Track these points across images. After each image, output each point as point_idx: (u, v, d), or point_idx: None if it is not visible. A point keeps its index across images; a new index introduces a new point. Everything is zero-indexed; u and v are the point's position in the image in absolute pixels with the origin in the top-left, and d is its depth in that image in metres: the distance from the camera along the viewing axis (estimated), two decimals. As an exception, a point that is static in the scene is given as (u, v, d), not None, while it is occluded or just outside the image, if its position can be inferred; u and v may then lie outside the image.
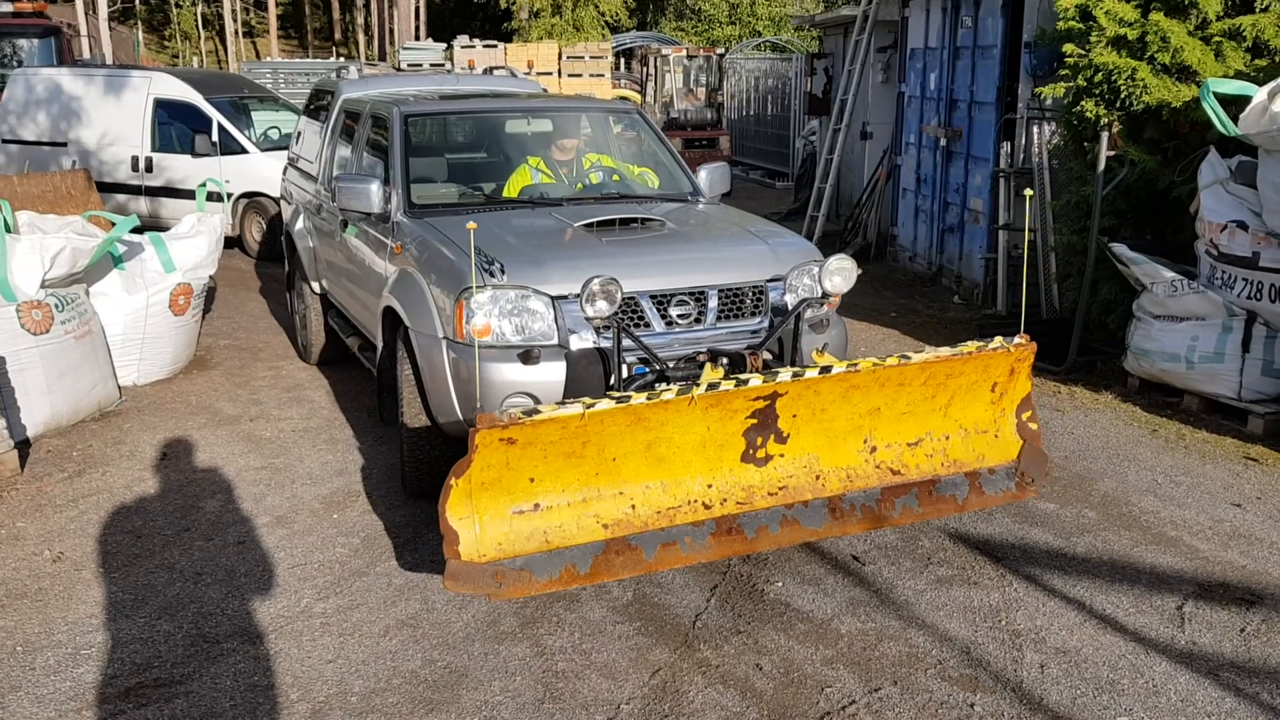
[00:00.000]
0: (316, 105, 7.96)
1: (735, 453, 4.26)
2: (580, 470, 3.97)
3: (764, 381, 3.98)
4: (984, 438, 4.74)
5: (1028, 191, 4.75)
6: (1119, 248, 7.23)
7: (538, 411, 3.65)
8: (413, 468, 5.28)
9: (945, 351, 4.31)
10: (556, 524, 3.98)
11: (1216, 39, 7.14)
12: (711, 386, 3.91)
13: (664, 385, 4.56)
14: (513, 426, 3.62)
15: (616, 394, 3.86)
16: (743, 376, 4.01)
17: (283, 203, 8.56)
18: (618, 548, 4.05)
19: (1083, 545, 4.96)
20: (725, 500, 4.26)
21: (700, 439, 4.13)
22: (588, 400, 3.75)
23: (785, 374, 4.02)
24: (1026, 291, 9.47)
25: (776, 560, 4.78)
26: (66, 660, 3.98)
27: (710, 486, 4.25)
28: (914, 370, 4.29)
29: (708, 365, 4.44)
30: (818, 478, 4.43)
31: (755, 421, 4.19)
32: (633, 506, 4.11)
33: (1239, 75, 6.91)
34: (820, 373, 4.06)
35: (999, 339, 4.42)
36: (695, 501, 4.20)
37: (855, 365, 4.15)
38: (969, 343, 4.41)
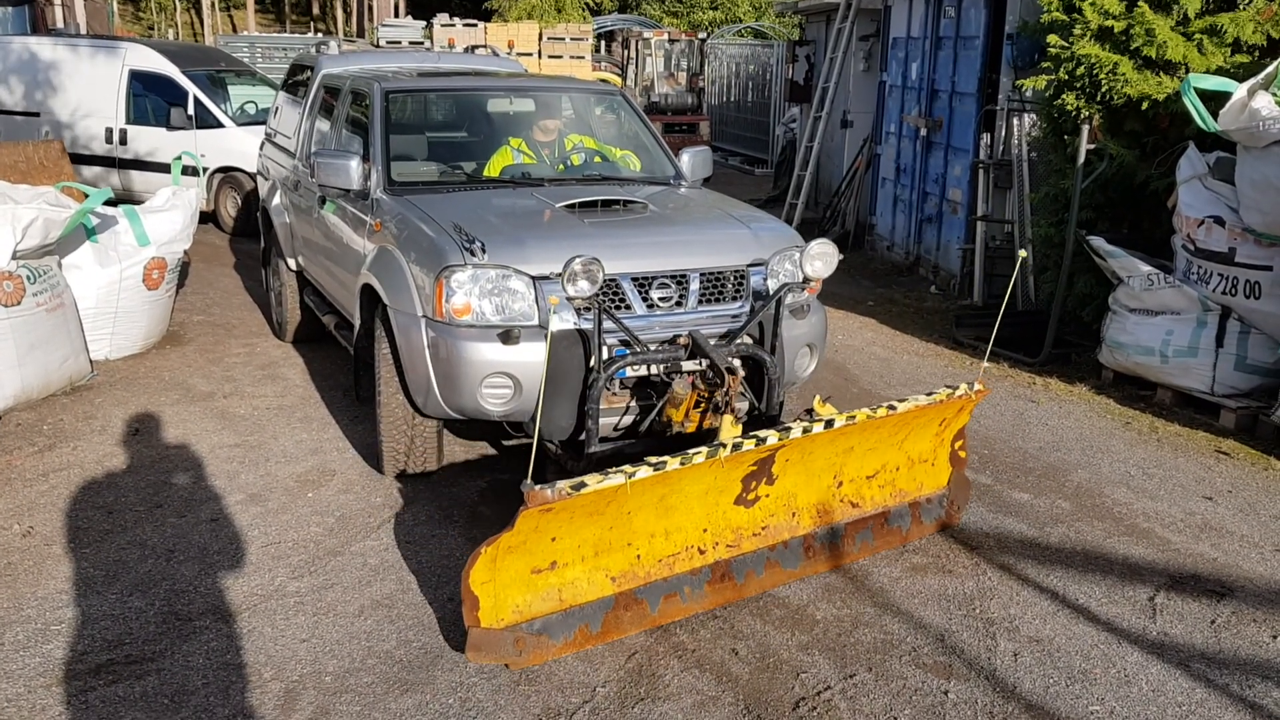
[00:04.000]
0: (295, 80, 7.88)
1: (731, 497, 4.25)
2: (598, 525, 3.89)
3: (779, 439, 4.02)
4: (924, 466, 4.90)
5: (1022, 252, 4.92)
6: (1096, 241, 7.27)
7: (584, 485, 3.57)
8: (389, 447, 5.25)
9: (924, 400, 4.45)
10: (569, 580, 3.90)
11: (1197, 36, 7.17)
12: (736, 447, 3.92)
13: (667, 389, 4.58)
14: (557, 504, 3.52)
15: (654, 459, 3.76)
16: (761, 434, 4.01)
17: (259, 178, 8.48)
18: (625, 602, 4.01)
19: (1056, 535, 4.99)
20: (717, 544, 4.26)
21: (705, 487, 4.12)
22: (629, 469, 3.67)
23: (796, 429, 4.06)
24: (1003, 282, 9.52)
25: (753, 546, 4.78)
26: (36, 636, 3.93)
27: (705, 531, 4.23)
28: (895, 418, 4.38)
29: (726, 419, 4.40)
30: (793, 515, 4.50)
31: (755, 469, 4.21)
32: (638, 557, 4.06)
33: (1219, 71, 6.95)
34: (825, 427, 4.14)
35: (964, 386, 4.60)
36: (692, 547, 4.19)
37: (853, 418, 4.20)
38: (942, 389, 4.56)
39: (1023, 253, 4.96)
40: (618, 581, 4.01)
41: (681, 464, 3.78)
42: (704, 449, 3.86)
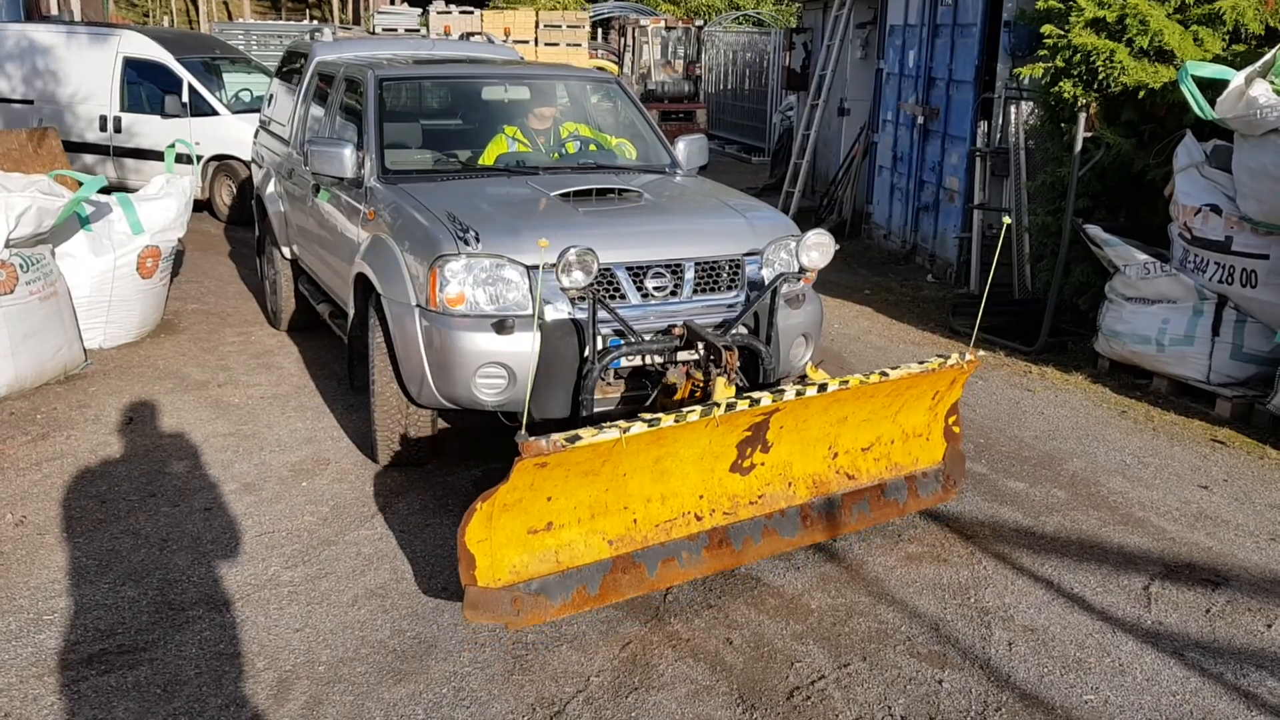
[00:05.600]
0: (289, 68, 7.84)
1: (726, 463, 4.26)
2: (593, 487, 3.90)
3: (773, 400, 4.01)
4: (919, 441, 4.88)
5: (1006, 219, 4.88)
6: (1093, 229, 7.25)
7: (579, 438, 3.57)
8: (383, 436, 5.24)
9: (916, 368, 4.44)
10: (566, 542, 3.91)
11: (1195, 24, 7.14)
12: (729, 406, 3.91)
13: (658, 378, 4.57)
14: (553, 455, 3.53)
15: (647, 415, 3.77)
16: (755, 395, 4.02)
17: (254, 166, 8.45)
18: (623, 565, 4.00)
19: (1051, 524, 4.99)
20: (714, 511, 4.26)
21: (700, 451, 4.12)
22: (624, 424, 3.68)
23: (790, 391, 4.06)
24: (1000, 271, 9.51)
25: (748, 535, 4.78)
26: (28, 625, 3.92)
27: (701, 497, 4.23)
28: (887, 385, 4.37)
29: (720, 380, 4.38)
30: (789, 485, 4.49)
31: (750, 434, 4.21)
32: (635, 521, 4.07)
33: (1217, 59, 6.92)
34: (819, 390, 4.13)
35: (955, 355, 4.57)
36: (689, 514, 4.19)
37: (846, 382, 4.20)
38: (934, 359, 4.55)
39: (1007, 219, 4.94)
40: (615, 545, 4.02)
41: (675, 421, 3.78)
42: (698, 408, 3.88)
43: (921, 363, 4.48)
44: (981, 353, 7.71)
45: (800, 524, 4.46)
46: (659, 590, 4.11)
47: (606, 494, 3.96)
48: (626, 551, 4.03)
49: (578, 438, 3.57)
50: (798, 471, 4.51)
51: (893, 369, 4.36)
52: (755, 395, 4.02)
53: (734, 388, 4.37)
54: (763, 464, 4.37)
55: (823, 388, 4.13)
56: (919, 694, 3.68)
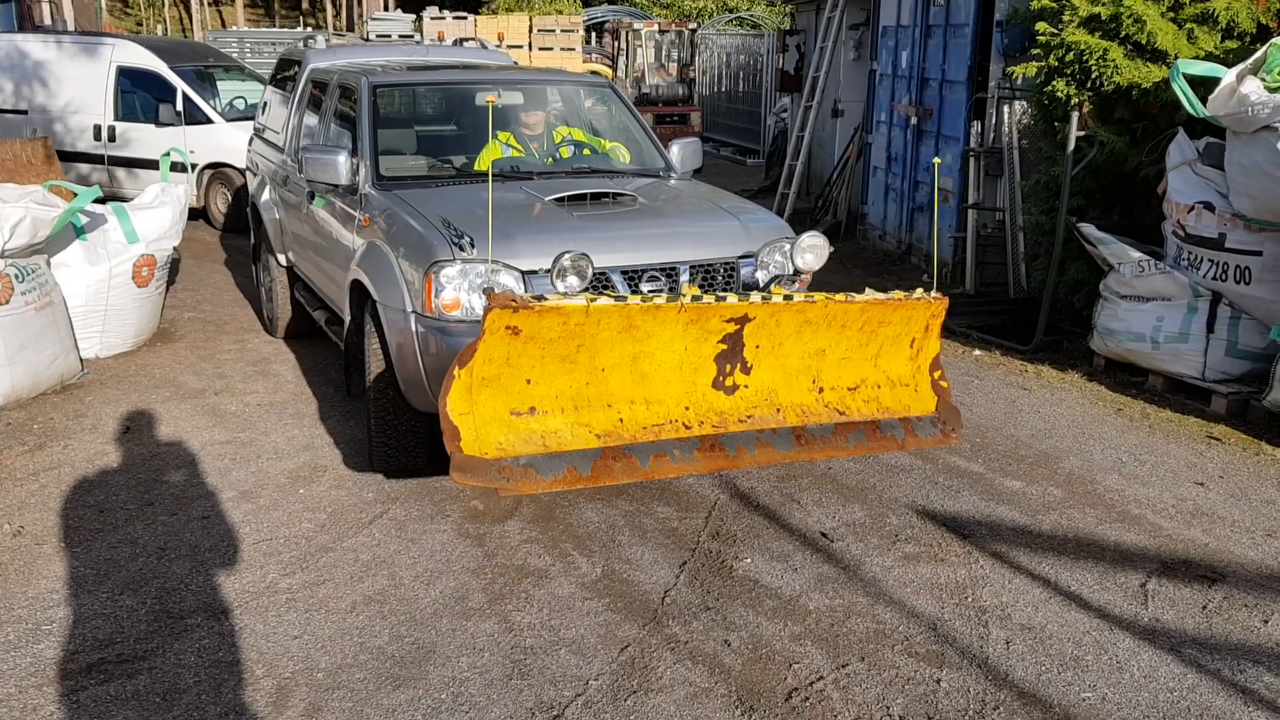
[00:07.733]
0: (283, 75, 7.85)
1: (707, 378, 4.29)
2: (573, 377, 3.98)
3: (739, 301, 4.08)
4: (906, 390, 4.86)
5: (937, 160, 4.89)
6: (1087, 228, 7.27)
7: (544, 299, 3.68)
8: (380, 443, 5.24)
9: (881, 295, 4.46)
10: (552, 430, 3.97)
11: (1189, 22, 7.16)
12: (695, 298, 3.99)
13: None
14: (522, 311, 3.61)
15: (614, 294, 3.86)
16: (721, 294, 4.10)
17: (248, 174, 8.46)
18: (614, 455, 4.05)
19: (1048, 523, 5.00)
20: (702, 423, 4.30)
21: (678, 359, 4.17)
22: (590, 295, 3.79)
23: (755, 296, 4.14)
24: (995, 270, 9.53)
25: (745, 537, 4.79)
26: (27, 636, 3.93)
27: (687, 409, 4.28)
28: (856, 310, 4.40)
29: (685, 283, 4.50)
30: (778, 410, 4.50)
31: (725, 347, 4.24)
32: (621, 420, 4.12)
33: (1209, 57, 6.94)
34: (784, 299, 4.20)
35: (920, 290, 4.58)
36: (676, 421, 4.24)
37: (811, 298, 4.28)
38: (897, 291, 4.56)
39: (938, 160, 4.99)
40: (603, 438, 4.06)
41: (643, 301, 3.86)
42: (665, 295, 3.96)
43: (886, 292, 4.51)
44: (977, 352, 7.75)
45: (794, 441, 4.45)
46: (654, 480, 4.10)
47: (588, 388, 4.03)
48: (615, 444, 4.07)
49: (543, 298, 3.70)
50: (784, 400, 4.52)
51: (858, 294, 4.39)
52: (722, 294, 4.09)
53: (698, 289, 4.43)
54: (746, 386, 4.40)
55: (788, 298, 4.20)
56: (917, 693, 3.69)
